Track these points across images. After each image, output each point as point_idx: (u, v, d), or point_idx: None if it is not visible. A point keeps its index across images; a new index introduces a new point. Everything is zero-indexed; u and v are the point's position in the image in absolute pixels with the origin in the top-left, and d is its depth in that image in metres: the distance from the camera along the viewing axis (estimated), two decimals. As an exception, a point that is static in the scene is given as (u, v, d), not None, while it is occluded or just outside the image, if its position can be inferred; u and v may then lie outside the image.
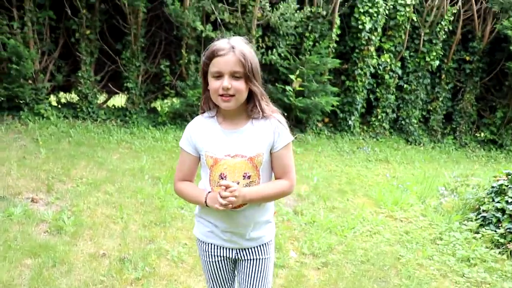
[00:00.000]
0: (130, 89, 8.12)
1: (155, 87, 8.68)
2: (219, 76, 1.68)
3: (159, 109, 8.65)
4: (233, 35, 1.78)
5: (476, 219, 4.99)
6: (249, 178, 1.76)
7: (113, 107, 8.62)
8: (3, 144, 5.90)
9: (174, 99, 8.63)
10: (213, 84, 1.70)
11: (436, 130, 10.99)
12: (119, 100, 9.24)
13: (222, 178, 1.75)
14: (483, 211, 4.97)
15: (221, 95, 1.69)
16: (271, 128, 1.77)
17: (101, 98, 8.72)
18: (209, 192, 1.80)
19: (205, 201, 1.77)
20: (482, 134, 11.59)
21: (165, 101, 8.68)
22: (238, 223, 1.83)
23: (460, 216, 5.18)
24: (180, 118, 8.25)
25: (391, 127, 10.67)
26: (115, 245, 3.62)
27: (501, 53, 10.70)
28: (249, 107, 1.78)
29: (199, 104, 7.93)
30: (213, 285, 2.04)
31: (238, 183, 1.73)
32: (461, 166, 8.92)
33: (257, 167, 1.77)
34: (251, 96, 1.76)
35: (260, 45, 8.39)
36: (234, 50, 1.66)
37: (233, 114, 1.78)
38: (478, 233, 4.76)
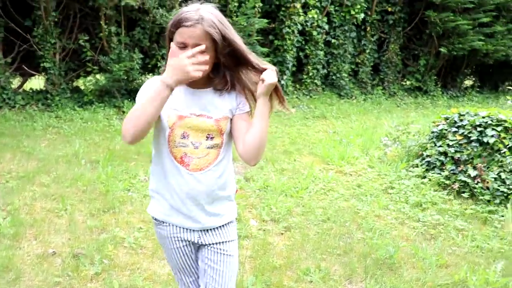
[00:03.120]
0: (48, 69, 7.42)
1: (75, 64, 8.00)
2: (183, 47, 1.54)
3: (83, 87, 8.03)
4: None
5: (421, 165, 5.16)
6: (212, 140, 1.63)
7: (31, 91, 7.86)
8: None
9: (98, 76, 8.03)
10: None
11: (365, 82, 11.26)
12: (36, 82, 8.45)
13: (184, 138, 1.61)
14: (427, 156, 5.13)
15: None
16: (234, 94, 1.69)
17: (16, 82, 7.91)
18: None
19: (164, 81, 1.48)
20: (408, 82, 12.08)
21: (89, 78, 8.04)
22: (196, 190, 1.64)
23: (405, 163, 5.33)
24: (107, 95, 7.69)
25: (323, 83, 10.77)
26: (64, 241, 3.28)
27: (419, 2, 11.10)
28: (215, 79, 1.65)
29: (125, 78, 7.32)
30: (181, 276, 1.84)
31: (200, 144, 1.62)
32: (393, 115, 9.23)
33: (221, 131, 1.65)
34: (220, 67, 1.63)
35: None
36: (202, 22, 1.52)
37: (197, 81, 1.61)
38: (425, 177, 4.93)
